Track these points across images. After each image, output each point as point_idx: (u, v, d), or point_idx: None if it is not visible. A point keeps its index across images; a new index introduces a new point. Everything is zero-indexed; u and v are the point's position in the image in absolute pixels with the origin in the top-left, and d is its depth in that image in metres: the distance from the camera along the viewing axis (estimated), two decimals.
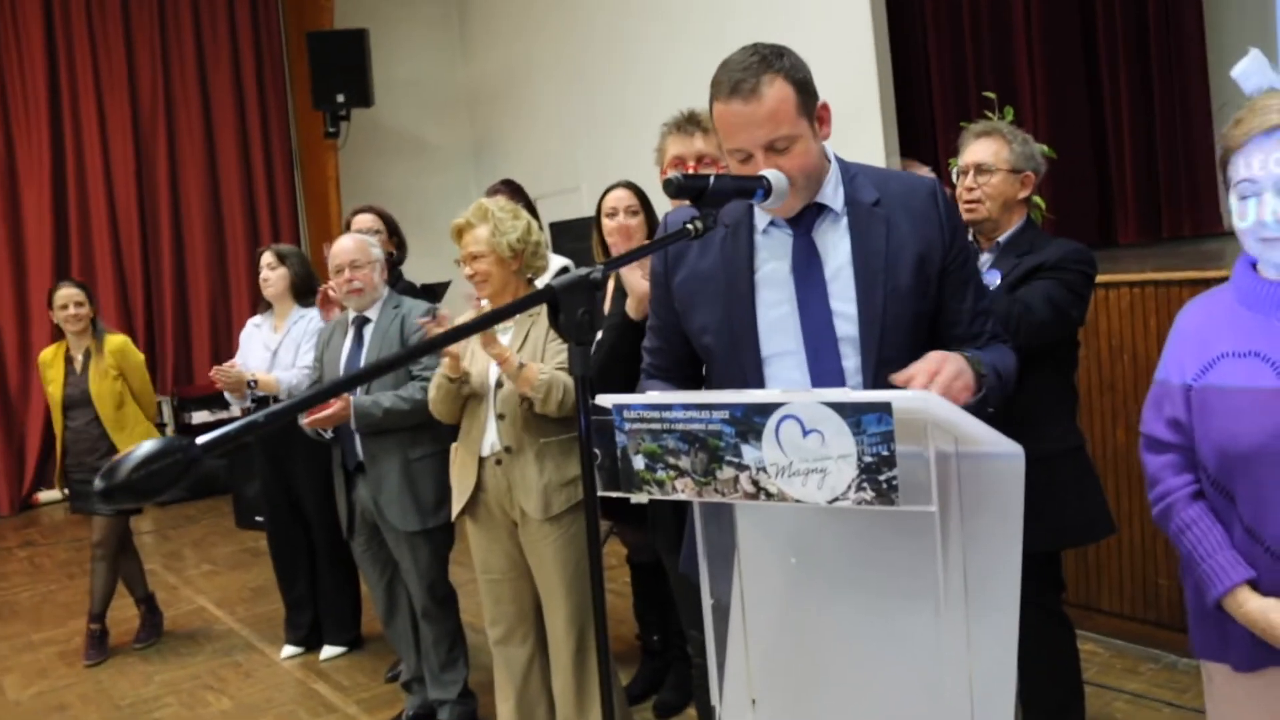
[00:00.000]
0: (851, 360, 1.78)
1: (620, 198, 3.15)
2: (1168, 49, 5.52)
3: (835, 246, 1.81)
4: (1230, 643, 1.72)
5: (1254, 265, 1.72)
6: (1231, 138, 1.68)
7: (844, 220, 1.82)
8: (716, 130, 1.78)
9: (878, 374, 1.76)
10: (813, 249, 1.81)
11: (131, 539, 4.78)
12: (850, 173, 1.85)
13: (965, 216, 2.55)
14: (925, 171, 3.61)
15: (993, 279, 2.56)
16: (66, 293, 4.57)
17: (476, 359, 2.94)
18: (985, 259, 2.64)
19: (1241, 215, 1.66)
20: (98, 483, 0.91)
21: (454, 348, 2.85)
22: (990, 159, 2.62)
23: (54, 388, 4.60)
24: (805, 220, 1.81)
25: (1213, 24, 5.48)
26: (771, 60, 1.71)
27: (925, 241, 1.81)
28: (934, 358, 1.60)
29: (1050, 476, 2.43)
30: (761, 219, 1.85)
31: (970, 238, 2.63)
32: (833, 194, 1.82)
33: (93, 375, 4.56)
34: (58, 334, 4.62)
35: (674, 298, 1.94)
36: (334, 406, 3.28)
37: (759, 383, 1.83)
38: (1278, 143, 1.60)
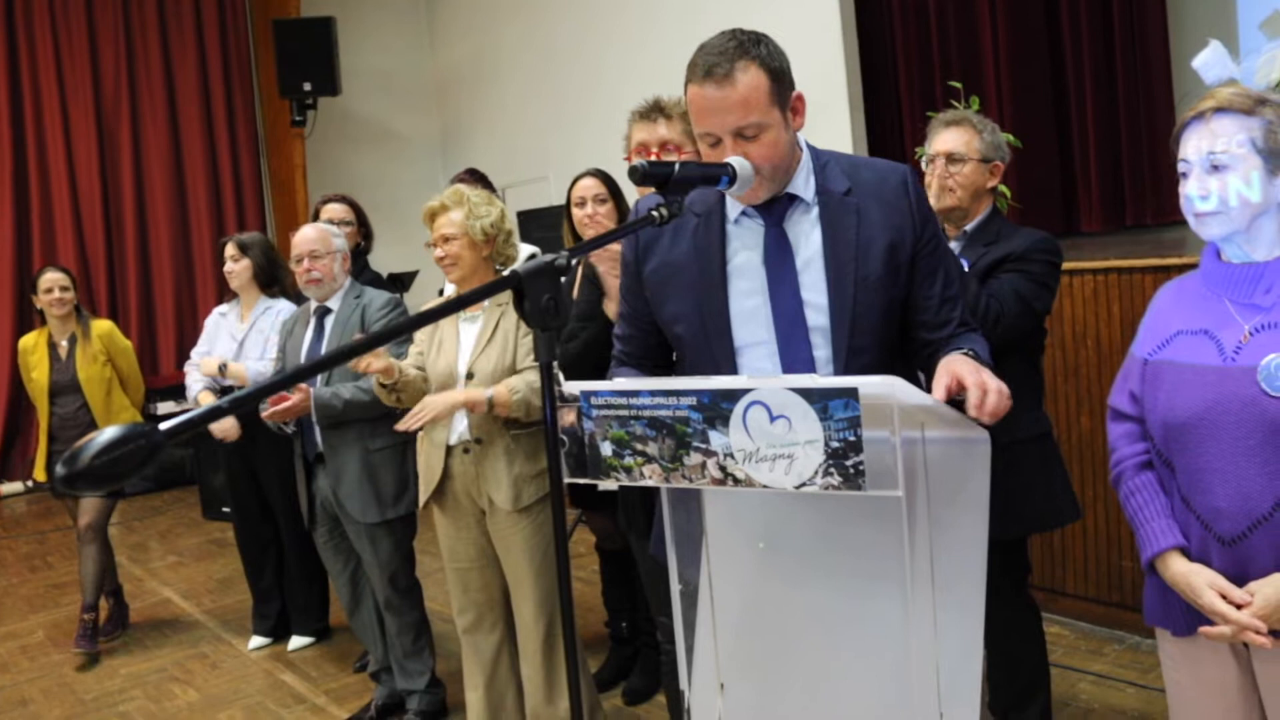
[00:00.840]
0: (823, 350, 1.79)
1: (589, 186, 3.14)
2: (1131, 39, 5.57)
3: (806, 236, 1.81)
4: (1170, 609, 1.79)
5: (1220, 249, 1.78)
6: (1178, 125, 1.76)
7: (815, 210, 1.82)
8: (689, 112, 1.77)
9: (848, 364, 1.77)
10: (784, 239, 1.81)
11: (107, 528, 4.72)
12: (822, 161, 1.85)
13: (935, 205, 2.56)
14: None
15: None
16: (52, 276, 4.55)
17: (444, 350, 2.92)
18: (952, 247, 2.66)
19: (1182, 195, 1.74)
20: (59, 469, 0.89)
21: (378, 362, 2.82)
22: (962, 148, 2.63)
23: (39, 373, 4.56)
24: (776, 210, 1.81)
25: (1176, 15, 5.53)
26: (748, 46, 1.71)
27: (896, 230, 1.81)
28: (967, 365, 1.57)
29: (1017, 462, 2.46)
30: (733, 209, 1.84)
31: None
32: (804, 184, 1.82)
33: (80, 360, 4.53)
34: (20, 322, 4.56)
35: (645, 287, 1.94)
36: (294, 399, 3.24)
37: (731, 372, 1.83)
38: (1206, 125, 1.69)
